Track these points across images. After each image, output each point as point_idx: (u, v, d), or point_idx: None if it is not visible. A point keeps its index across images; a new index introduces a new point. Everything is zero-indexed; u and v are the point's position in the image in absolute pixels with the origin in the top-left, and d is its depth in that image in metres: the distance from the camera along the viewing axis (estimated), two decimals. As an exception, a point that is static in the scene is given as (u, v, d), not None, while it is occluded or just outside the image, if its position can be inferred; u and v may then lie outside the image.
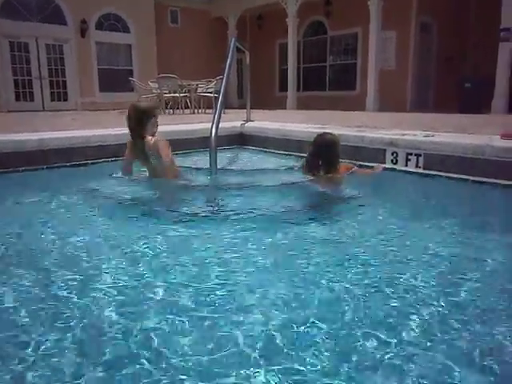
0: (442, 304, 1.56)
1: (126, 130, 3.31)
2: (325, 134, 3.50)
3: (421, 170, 3.81)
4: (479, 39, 11.88)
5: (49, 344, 1.32)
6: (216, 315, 1.49)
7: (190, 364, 1.22)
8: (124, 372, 1.19)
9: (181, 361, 1.24)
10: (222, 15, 15.47)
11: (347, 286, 1.70)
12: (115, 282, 1.75)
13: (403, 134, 4.19)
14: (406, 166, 3.93)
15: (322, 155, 3.35)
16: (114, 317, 1.48)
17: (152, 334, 1.37)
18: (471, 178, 3.48)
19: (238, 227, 2.45)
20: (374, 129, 4.83)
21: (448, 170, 3.63)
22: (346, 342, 1.34)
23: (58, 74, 13.08)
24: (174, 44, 14.87)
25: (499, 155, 3.36)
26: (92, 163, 4.33)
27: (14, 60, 12.28)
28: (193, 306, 1.56)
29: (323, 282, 1.75)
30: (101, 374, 1.18)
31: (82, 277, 1.80)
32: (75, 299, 1.60)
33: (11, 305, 1.57)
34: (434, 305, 1.56)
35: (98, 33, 13.54)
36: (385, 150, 4.08)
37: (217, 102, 4.12)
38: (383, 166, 3.91)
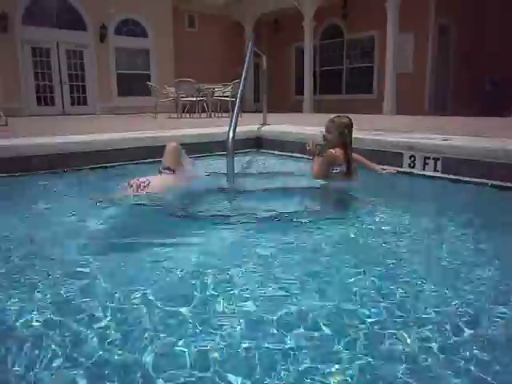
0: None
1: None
2: (341, 116, 3.56)
3: (439, 174, 3.78)
4: (498, 41, 11.70)
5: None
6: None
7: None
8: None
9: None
10: (238, 20, 15.59)
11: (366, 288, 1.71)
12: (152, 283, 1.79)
13: (421, 138, 4.16)
14: (424, 169, 3.90)
15: (344, 135, 3.42)
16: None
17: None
18: (490, 181, 3.44)
19: (256, 230, 2.47)
20: (391, 132, 4.81)
21: (467, 173, 3.60)
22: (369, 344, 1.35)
23: (78, 78, 13.35)
24: (192, 48, 15.02)
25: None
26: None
27: (35, 65, 12.59)
28: (222, 309, 1.58)
29: (344, 282, 1.77)
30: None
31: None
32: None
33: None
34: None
35: (117, 38, 13.78)
36: (402, 154, 4.06)
37: (234, 105, 4.16)
38: (396, 169, 3.90)
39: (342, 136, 3.44)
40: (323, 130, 3.59)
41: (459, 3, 11.49)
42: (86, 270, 1.92)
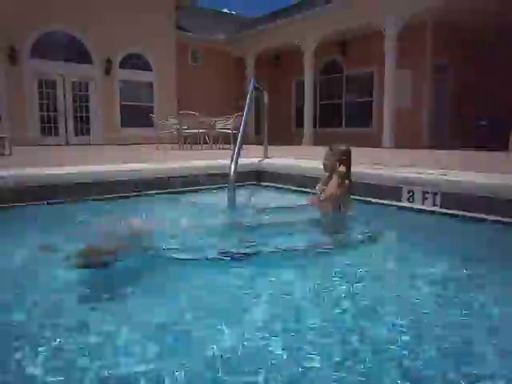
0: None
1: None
2: (338, 144, 3.62)
3: (438, 209, 3.81)
4: (495, 79, 12.00)
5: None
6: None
7: None
8: None
9: None
10: (240, 55, 16.03)
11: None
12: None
13: (419, 173, 4.22)
14: (423, 204, 3.94)
15: (343, 161, 3.49)
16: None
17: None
18: (490, 217, 3.46)
19: (260, 265, 2.49)
20: (390, 167, 4.87)
21: (465, 208, 3.63)
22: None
23: (83, 109, 13.62)
24: (195, 81, 15.40)
25: (516, 195, 3.35)
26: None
27: (41, 96, 12.87)
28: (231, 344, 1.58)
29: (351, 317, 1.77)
30: None
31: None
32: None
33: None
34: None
35: (122, 71, 14.14)
36: (401, 188, 4.11)
37: (235, 138, 4.24)
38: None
39: (340, 161, 3.50)
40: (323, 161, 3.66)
41: (455, 46, 11.85)
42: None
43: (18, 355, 1.45)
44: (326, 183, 3.62)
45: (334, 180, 3.51)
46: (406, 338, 1.61)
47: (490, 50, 12.40)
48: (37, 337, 1.60)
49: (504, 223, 3.33)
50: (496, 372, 1.40)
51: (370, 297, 2.04)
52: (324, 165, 3.62)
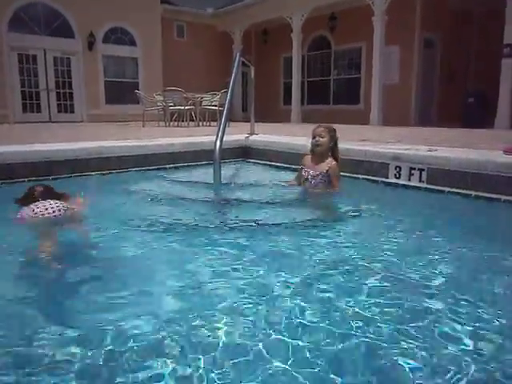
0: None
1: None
2: (324, 124, 3.69)
3: (424, 185, 3.83)
4: (482, 55, 11.97)
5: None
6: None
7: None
8: None
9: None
10: (227, 30, 15.69)
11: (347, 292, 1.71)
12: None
13: (406, 149, 4.21)
14: (409, 180, 3.95)
15: (334, 138, 3.58)
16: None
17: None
18: (474, 192, 3.49)
19: (240, 240, 2.47)
20: (377, 143, 4.86)
21: (451, 184, 3.65)
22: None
23: (65, 85, 13.27)
24: (180, 57, 15.07)
25: (501, 170, 3.37)
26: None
27: (21, 72, 12.49)
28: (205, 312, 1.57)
29: (324, 286, 1.77)
30: None
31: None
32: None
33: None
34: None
35: (105, 46, 13.75)
36: (388, 165, 4.10)
37: (221, 115, 4.17)
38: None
39: (332, 138, 3.57)
40: (310, 139, 3.62)
41: (444, 19, 11.74)
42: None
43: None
44: (313, 166, 3.60)
45: (334, 172, 3.52)
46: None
47: (477, 23, 12.33)
48: None
49: (487, 198, 3.37)
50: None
51: (353, 267, 2.04)
52: (317, 141, 3.56)
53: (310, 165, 3.65)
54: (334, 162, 3.56)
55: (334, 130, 3.63)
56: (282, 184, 3.95)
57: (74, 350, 1.35)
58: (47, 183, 2.93)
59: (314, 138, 3.59)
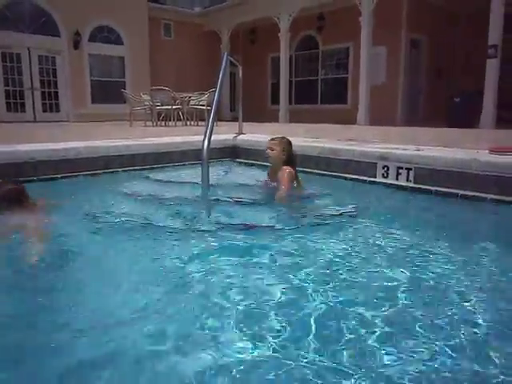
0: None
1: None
2: (279, 136, 3.67)
3: (411, 184, 3.85)
4: (468, 55, 12.11)
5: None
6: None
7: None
8: None
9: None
10: (215, 29, 15.62)
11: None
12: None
13: (394, 148, 4.23)
14: (397, 179, 3.97)
15: (286, 151, 3.52)
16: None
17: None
18: (460, 192, 3.51)
19: (228, 241, 2.45)
20: (365, 142, 4.87)
21: (438, 183, 3.67)
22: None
23: (51, 85, 13.07)
24: (167, 56, 14.96)
25: (487, 169, 3.40)
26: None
27: (5, 70, 12.26)
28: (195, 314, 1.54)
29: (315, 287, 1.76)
30: None
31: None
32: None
33: None
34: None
35: (91, 45, 13.58)
36: (376, 164, 4.12)
37: (209, 114, 4.13)
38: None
39: (284, 151, 3.50)
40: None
41: (430, 19, 11.85)
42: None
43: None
44: (270, 177, 3.59)
45: (286, 182, 3.40)
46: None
47: (462, 23, 12.48)
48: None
49: (474, 197, 3.39)
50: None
51: (344, 268, 2.03)
52: (268, 156, 3.57)
53: (269, 176, 3.71)
54: (285, 167, 3.44)
55: (289, 143, 3.57)
56: (259, 182, 3.93)
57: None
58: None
59: (266, 149, 3.60)
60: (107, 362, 1.31)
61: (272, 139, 3.62)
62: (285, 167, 3.44)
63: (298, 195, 3.53)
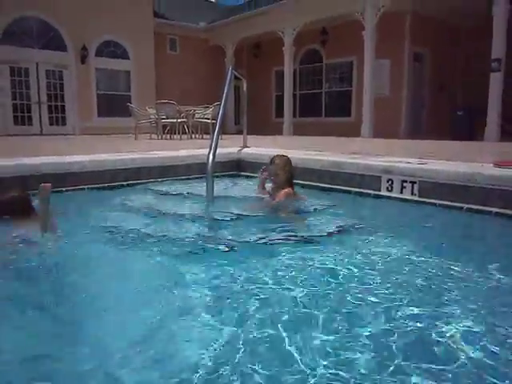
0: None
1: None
2: (279, 156, 3.66)
3: (416, 198, 3.84)
4: (470, 69, 12.16)
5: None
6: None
7: None
8: None
9: None
10: (219, 43, 15.82)
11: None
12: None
13: (398, 162, 4.23)
14: (402, 193, 3.96)
15: (288, 172, 3.53)
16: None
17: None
18: (465, 205, 3.51)
19: (233, 256, 2.45)
20: (369, 156, 4.88)
21: (442, 197, 3.67)
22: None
23: (57, 98, 13.24)
24: (173, 70, 15.13)
25: (491, 183, 3.40)
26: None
27: (13, 85, 12.45)
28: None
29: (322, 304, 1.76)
30: None
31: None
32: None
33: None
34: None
35: (98, 59, 13.79)
36: (380, 177, 4.12)
37: (214, 128, 4.17)
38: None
39: (286, 173, 3.52)
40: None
41: (433, 33, 11.95)
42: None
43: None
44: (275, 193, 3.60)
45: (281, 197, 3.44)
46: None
47: (464, 37, 12.58)
48: None
49: (478, 211, 3.39)
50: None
51: (348, 279, 2.03)
52: (273, 180, 3.58)
53: (271, 193, 3.68)
54: (285, 190, 3.47)
55: (290, 162, 3.59)
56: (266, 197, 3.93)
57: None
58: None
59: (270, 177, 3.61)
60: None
61: (275, 164, 3.58)
62: (284, 191, 3.45)
63: (301, 209, 3.52)
